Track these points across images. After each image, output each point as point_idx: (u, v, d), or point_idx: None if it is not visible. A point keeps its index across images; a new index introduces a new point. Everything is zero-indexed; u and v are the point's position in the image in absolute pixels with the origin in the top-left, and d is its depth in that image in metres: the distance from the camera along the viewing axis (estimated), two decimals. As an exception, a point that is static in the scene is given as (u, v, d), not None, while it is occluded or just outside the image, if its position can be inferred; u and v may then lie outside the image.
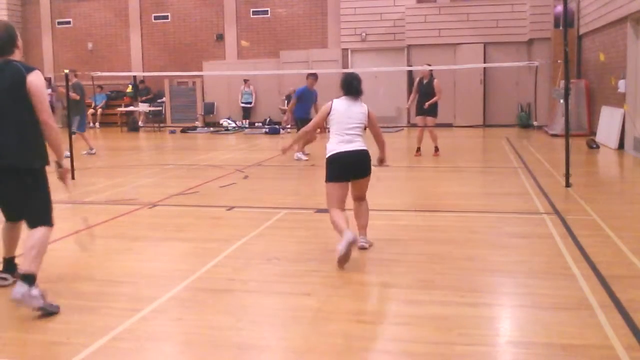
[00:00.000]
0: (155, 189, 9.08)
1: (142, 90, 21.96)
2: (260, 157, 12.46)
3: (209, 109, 21.82)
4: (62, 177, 4.56)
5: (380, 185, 9.02)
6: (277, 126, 19.03)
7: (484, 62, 18.74)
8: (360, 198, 5.55)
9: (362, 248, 5.40)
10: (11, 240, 4.65)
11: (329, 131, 5.55)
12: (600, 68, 14.58)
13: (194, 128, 20.28)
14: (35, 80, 4.27)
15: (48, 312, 4.05)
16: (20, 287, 4.00)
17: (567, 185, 8.25)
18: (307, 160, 11.71)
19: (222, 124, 21.01)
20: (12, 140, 4.26)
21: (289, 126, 17.36)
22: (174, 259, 5.38)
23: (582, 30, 16.40)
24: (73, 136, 10.74)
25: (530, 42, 18.70)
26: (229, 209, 7.39)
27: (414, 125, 18.91)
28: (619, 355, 3.33)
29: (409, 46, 19.74)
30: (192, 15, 22.19)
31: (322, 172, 5.43)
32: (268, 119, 20.81)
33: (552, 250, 5.36)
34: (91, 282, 4.74)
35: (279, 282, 4.73)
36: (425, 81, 12.12)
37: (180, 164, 11.91)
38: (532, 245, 5.61)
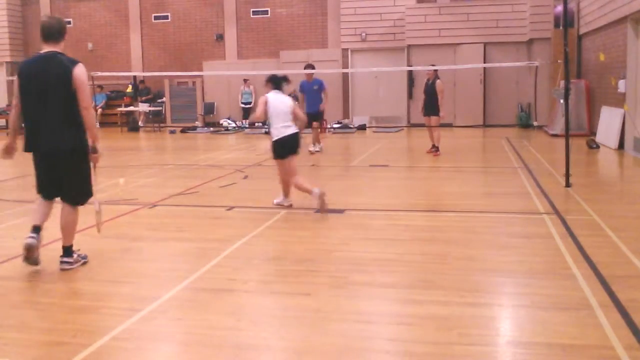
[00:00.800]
0: (155, 189, 9.08)
1: (142, 90, 21.97)
2: (260, 157, 12.46)
3: (209, 109, 21.83)
4: (94, 160, 5.04)
5: (380, 185, 9.04)
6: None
7: (484, 62, 18.76)
8: (293, 174, 7.00)
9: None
10: (44, 216, 5.02)
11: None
12: (600, 68, 14.59)
13: (194, 128, 20.28)
14: (80, 73, 4.84)
15: (86, 261, 5.16)
16: (65, 258, 5.01)
17: (567, 185, 8.24)
18: (318, 151, 12.36)
19: (222, 124, 21.01)
20: (57, 126, 4.80)
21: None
22: (174, 259, 5.38)
23: (582, 30, 16.40)
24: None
25: (530, 42, 18.70)
26: (229, 209, 7.39)
27: (414, 125, 19.00)
28: (619, 355, 3.33)
29: (409, 46, 19.74)
30: (192, 15, 22.20)
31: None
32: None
33: (552, 250, 5.36)
34: (91, 282, 4.74)
35: (279, 282, 4.73)
36: (430, 82, 12.22)
37: (180, 164, 11.91)
38: (532, 245, 5.61)
